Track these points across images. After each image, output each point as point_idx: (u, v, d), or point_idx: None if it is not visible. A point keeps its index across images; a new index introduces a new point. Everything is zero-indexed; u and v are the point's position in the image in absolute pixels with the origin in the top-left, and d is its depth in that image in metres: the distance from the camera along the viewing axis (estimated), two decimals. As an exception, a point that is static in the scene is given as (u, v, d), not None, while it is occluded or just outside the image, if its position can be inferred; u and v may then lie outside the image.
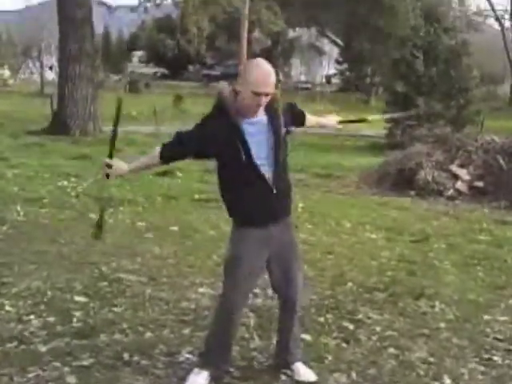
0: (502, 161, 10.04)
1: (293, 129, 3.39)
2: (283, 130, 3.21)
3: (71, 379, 3.39)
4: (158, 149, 3.20)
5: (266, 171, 3.15)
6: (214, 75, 51.89)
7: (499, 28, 49.08)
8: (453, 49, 19.48)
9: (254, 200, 3.16)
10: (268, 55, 47.32)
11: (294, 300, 3.41)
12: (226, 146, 3.09)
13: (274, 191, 3.17)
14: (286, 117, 3.27)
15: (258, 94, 3.02)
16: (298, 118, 3.47)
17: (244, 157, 3.08)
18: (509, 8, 48.90)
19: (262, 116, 3.17)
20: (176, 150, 3.19)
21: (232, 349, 3.49)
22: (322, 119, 3.82)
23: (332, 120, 3.85)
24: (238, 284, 3.25)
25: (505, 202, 9.31)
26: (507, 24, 49.17)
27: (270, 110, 3.17)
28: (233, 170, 3.14)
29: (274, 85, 3.08)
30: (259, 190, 3.15)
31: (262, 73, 3.04)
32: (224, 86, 3.22)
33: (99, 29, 42.37)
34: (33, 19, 42.97)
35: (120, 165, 3.26)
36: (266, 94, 3.05)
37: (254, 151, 3.10)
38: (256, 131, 3.13)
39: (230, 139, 3.08)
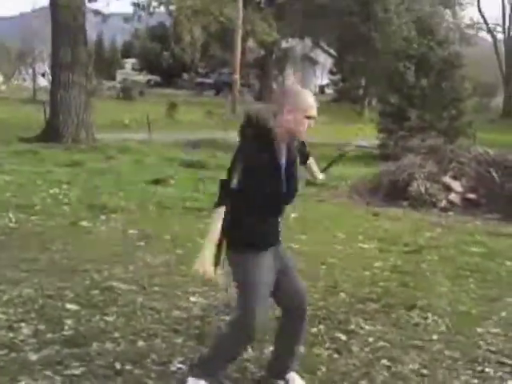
0: (494, 173, 10.08)
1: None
2: (298, 159, 3.28)
3: (62, 388, 3.36)
4: (218, 210, 3.09)
5: None
6: (207, 84, 52.01)
7: (492, 41, 49.52)
8: (446, 60, 19.61)
9: (267, 226, 3.20)
10: (262, 65, 47.53)
11: (304, 307, 3.40)
12: (270, 178, 3.11)
13: (279, 219, 3.25)
14: (299, 149, 3.34)
15: (310, 118, 3.12)
16: (302, 157, 3.45)
17: (285, 189, 3.15)
18: (501, 21, 49.37)
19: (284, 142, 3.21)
20: (233, 194, 3.09)
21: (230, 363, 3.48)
22: (316, 171, 3.76)
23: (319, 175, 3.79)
24: (259, 308, 3.15)
25: (497, 215, 9.35)
26: (500, 37, 49.64)
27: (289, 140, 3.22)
28: (261, 199, 3.12)
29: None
30: (272, 218, 3.22)
31: (311, 97, 3.13)
32: (260, 109, 3.20)
33: (92, 36, 42.40)
34: (26, 26, 42.90)
35: (205, 261, 3.07)
36: (315, 117, 3.15)
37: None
38: (283, 161, 3.19)
39: (274, 172, 3.11)
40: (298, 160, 3.35)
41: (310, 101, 3.11)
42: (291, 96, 3.12)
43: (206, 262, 3.05)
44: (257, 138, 3.10)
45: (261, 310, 3.15)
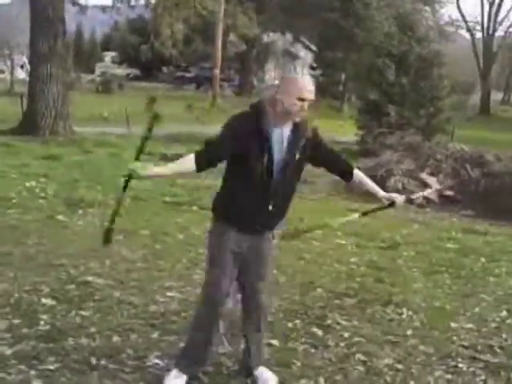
0: (470, 170, 10.20)
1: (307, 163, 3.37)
2: (301, 151, 3.23)
3: (37, 383, 3.34)
4: (191, 156, 3.13)
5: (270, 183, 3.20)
6: (187, 78, 51.77)
7: (470, 39, 49.94)
8: (425, 59, 19.74)
9: (248, 207, 3.21)
10: (242, 59, 47.41)
11: (259, 315, 3.47)
12: (253, 146, 3.14)
13: (270, 208, 3.23)
14: (311, 145, 3.29)
15: (302, 100, 3.15)
16: (334, 162, 3.47)
17: (266, 161, 3.14)
18: (480, 19, 49.80)
19: (288, 128, 3.23)
20: (212, 154, 3.16)
21: (208, 352, 3.47)
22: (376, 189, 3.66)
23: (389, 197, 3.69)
24: (212, 280, 3.32)
25: (473, 211, 9.46)
26: (478, 35, 50.07)
27: (297, 125, 3.23)
28: (245, 173, 3.17)
29: (314, 93, 3.20)
30: (258, 200, 3.21)
31: (306, 80, 3.21)
32: (267, 92, 3.33)
33: (72, 28, 41.90)
34: (3, 16, 42.30)
35: (147, 165, 3.21)
36: (310, 100, 3.19)
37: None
38: (278, 139, 3.20)
39: (259, 141, 3.14)
40: (312, 157, 3.34)
41: (302, 82, 3.18)
42: (286, 78, 3.24)
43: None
44: (252, 111, 3.20)
45: (219, 282, 3.28)
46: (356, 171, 3.51)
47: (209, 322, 3.37)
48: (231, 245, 3.26)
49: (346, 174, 3.49)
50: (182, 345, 3.69)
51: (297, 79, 3.19)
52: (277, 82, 3.27)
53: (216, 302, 3.32)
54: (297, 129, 3.23)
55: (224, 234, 3.27)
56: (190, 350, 3.41)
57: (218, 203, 3.34)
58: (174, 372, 3.36)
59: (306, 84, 3.19)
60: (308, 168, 3.43)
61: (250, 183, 3.17)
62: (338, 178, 3.57)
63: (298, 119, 3.21)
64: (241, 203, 3.21)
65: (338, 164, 3.48)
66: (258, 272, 3.38)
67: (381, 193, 3.64)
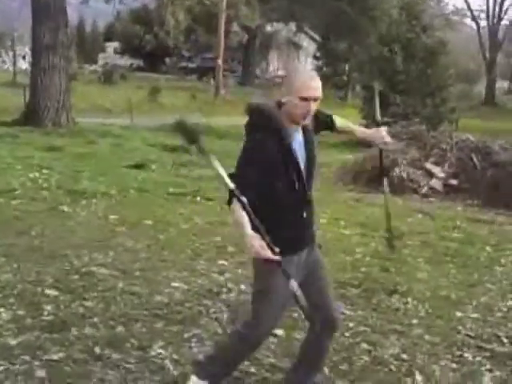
0: (476, 159, 10.14)
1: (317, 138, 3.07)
2: (315, 143, 2.95)
3: (41, 373, 3.34)
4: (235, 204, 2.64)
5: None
6: (190, 68, 51.69)
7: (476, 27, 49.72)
8: (430, 47, 19.66)
9: (286, 226, 2.85)
10: (246, 49, 47.27)
11: (335, 319, 3.14)
12: (281, 167, 2.79)
13: (304, 215, 2.91)
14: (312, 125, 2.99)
15: (306, 100, 2.76)
16: (322, 124, 3.14)
17: (296, 180, 2.81)
18: (485, 8, 49.53)
19: (299, 131, 2.90)
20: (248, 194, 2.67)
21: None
22: (360, 128, 3.47)
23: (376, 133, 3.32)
24: (264, 321, 2.95)
25: (478, 201, 9.41)
26: (483, 24, 49.82)
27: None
28: (273, 192, 2.81)
29: (320, 89, 2.83)
30: (293, 215, 2.87)
31: (307, 75, 2.82)
32: (263, 99, 3.00)
33: (74, 18, 41.88)
34: (5, 7, 42.25)
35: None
36: (315, 99, 2.80)
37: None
38: (298, 148, 2.87)
39: (285, 161, 2.79)
40: (321, 127, 3.10)
41: (302, 80, 2.78)
42: (286, 76, 2.89)
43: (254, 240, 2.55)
44: (260, 130, 2.80)
45: (268, 327, 3.01)
46: (337, 119, 3.23)
47: (243, 356, 3.16)
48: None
49: (330, 126, 3.21)
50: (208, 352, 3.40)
51: (298, 76, 2.81)
52: (278, 79, 3.03)
53: (259, 340, 3.04)
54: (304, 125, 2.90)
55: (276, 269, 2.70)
56: (217, 365, 3.11)
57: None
58: (195, 378, 3.08)
59: (307, 80, 2.78)
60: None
61: (283, 201, 2.82)
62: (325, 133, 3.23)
63: (305, 122, 2.84)
64: (280, 225, 2.82)
65: (325, 121, 3.18)
66: (321, 279, 3.14)
67: (360, 131, 3.40)
